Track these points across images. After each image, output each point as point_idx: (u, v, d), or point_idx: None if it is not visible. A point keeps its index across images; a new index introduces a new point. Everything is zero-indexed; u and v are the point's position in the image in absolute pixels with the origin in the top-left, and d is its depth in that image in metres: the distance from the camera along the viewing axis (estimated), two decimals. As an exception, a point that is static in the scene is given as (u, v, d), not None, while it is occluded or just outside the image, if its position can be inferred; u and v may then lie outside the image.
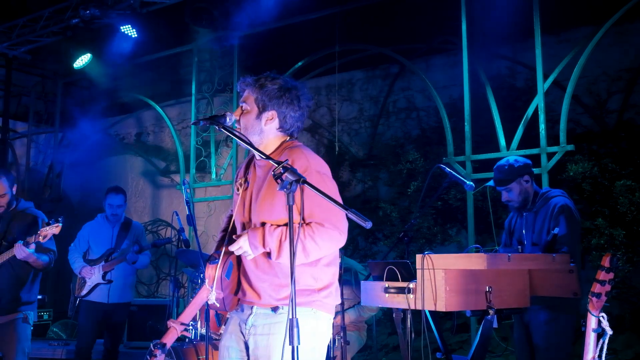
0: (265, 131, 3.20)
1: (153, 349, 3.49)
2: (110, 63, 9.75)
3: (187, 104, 11.03)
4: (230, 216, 3.44)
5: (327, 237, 3.02)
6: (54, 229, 5.07)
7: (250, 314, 3.17)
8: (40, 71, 12.14)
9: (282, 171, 2.69)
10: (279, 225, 3.05)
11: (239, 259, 3.23)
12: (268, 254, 3.06)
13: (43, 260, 5.40)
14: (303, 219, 2.99)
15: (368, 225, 2.63)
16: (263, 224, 3.10)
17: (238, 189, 3.29)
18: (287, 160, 2.81)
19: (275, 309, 3.11)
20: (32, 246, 5.16)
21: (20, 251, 5.13)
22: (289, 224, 2.67)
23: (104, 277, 6.67)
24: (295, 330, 2.55)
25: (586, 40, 7.02)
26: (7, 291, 5.41)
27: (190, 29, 8.98)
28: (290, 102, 3.20)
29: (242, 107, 3.23)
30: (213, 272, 3.12)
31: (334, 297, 3.23)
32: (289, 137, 3.28)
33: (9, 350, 5.37)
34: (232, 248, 3.07)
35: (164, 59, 10.65)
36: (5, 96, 11.41)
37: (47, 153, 12.08)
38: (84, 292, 6.68)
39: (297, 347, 2.58)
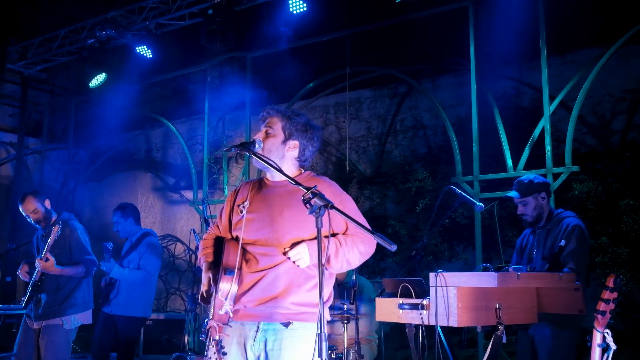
0: (286, 157, 3.47)
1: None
2: (125, 82, 9.88)
3: (197, 121, 11.19)
4: (217, 237, 3.59)
5: (366, 239, 3.35)
6: (54, 234, 5.29)
7: (257, 330, 3.28)
8: (54, 88, 12.30)
9: (311, 196, 2.89)
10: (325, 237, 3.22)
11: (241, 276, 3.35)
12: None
13: (77, 271, 5.55)
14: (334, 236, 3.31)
15: (393, 248, 2.83)
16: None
17: (241, 211, 3.46)
18: (315, 186, 2.99)
19: (286, 324, 3.25)
20: (51, 259, 5.32)
21: (39, 266, 5.32)
22: (317, 247, 2.84)
23: None
24: (323, 344, 2.69)
25: (591, 62, 7.14)
26: (45, 297, 5.56)
27: (203, 48, 9.14)
28: (311, 138, 3.53)
29: (267, 130, 3.47)
30: (228, 285, 3.24)
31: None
32: (302, 169, 3.57)
33: (43, 354, 5.52)
34: (291, 253, 3.24)
35: (175, 77, 10.81)
36: (21, 113, 11.60)
37: (60, 169, 12.21)
38: None
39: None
